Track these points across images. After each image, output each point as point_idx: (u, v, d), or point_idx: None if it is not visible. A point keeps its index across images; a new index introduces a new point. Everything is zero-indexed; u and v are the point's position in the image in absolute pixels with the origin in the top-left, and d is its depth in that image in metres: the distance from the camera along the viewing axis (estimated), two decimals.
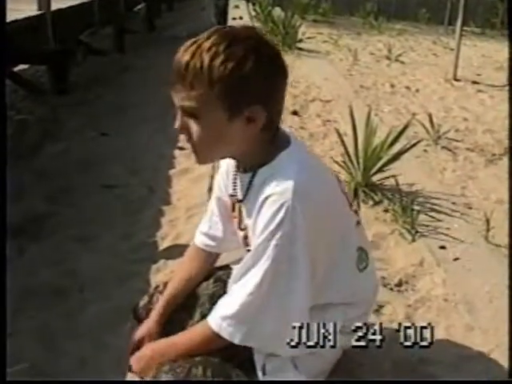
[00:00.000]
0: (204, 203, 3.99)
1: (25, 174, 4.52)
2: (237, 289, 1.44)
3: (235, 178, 1.57)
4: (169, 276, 3.07)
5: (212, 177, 3.97)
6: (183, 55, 1.37)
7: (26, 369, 2.38)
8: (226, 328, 1.43)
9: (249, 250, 1.57)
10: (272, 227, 1.35)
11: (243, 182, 1.51)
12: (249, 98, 1.36)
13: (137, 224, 3.86)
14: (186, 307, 1.72)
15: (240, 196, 1.53)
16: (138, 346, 1.66)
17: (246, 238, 1.58)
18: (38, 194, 4.25)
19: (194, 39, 1.40)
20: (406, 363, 1.85)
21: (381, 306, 2.22)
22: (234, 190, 1.56)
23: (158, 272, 3.21)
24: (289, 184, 1.35)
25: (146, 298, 1.77)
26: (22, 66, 7.24)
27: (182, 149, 5.24)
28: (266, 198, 1.37)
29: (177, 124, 1.44)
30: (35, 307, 2.93)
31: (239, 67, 1.32)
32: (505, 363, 1.86)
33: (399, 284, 2.39)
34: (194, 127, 1.39)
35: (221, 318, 1.45)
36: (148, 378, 1.50)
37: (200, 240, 1.84)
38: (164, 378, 1.45)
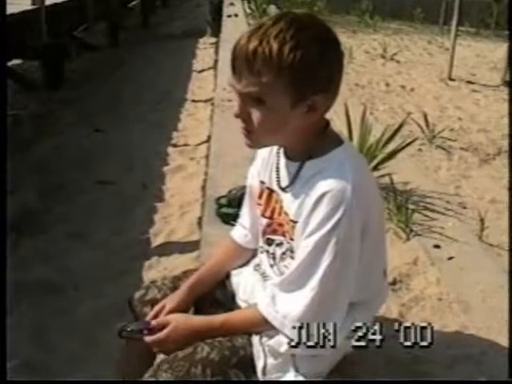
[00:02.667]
0: (197, 200, 4.00)
1: (18, 170, 4.49)
2: (298, 286, 1.41)
3: (278, 165, 1.55)
4: (162, 273, 3.08)
5: (206, 174, 3.97)
6: (249, 41, 1.33)
7: (18, 365, 2.37)
8: (287, 325, 1.42)
9: (268, 239, 1.57)
10: (331, 224, 1.35)
11: (289, 170, 1.50)
12: (314, 86, 1.35)
13: (130, 221, 3.86)
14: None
15: (284, 183, 1.51)
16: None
17: (269, 225, 1.57)
18: (32, 189, 4.24)
19: (258, 24, 1.36)
20: (399, 362, 1.85)
21: None
22: (277, 177, 1.54)
23: (150, 269, 3.21)
24: (347, 181, 1.35)
25: (141, 291, 1.75)
26: (15, 61, 7.20)
27: (175, 146, 5.24)
28: (324, 194, 1.35)
29: (236, 110, 1.41)
30: (28, 303, 2.92)
31: (307, 55, 1.32)
32: (499, 362, 1.85)
33: (393, 283, 2.39)
34: (256, 113, 1.38)
35: (283, 316, 1.42)
36: (147, 376, 1.47)
37: (234, 231, 1.81)
38: (164, 376, 1.42)
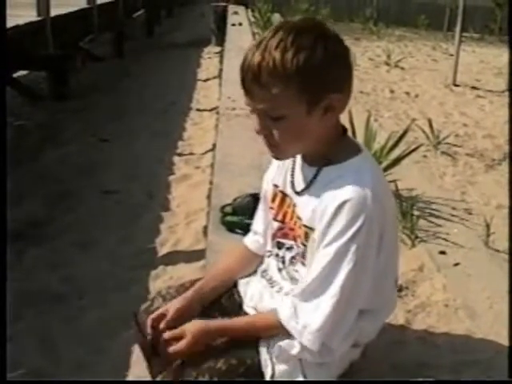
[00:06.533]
0: (203, 209, 4.00)
1: (24, 180, 4.52)
2: (318, 294, 1.40)
3: (293, 169, 1.55)
4: (169, 282, 3.07)
5: (211, 183, 3.97)
6: (253, 58, 1.35)
7: (24, 374, 2.37)
8: (306, 336, 1.41)
9: (279, 243, 1.57)
10: (352, 232, 1.35)
11: (305, 174, 1.50)
12: (325, 86, 1.36)
13: (136, 230, 3.86)
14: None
15: (299, 187, 1.51)
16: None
17: (280, 229, 1.57)
18: (38, 199, 4.25)
19: (259, 40, 1.38)
20: (405, 368, 1.84)
21: None
22: (292, 181, 1.54)
23: (156, 278, 3.20)
24: (367, 190, 1.36)
25: (147, 303, 1.74)
26: (21, 72, 7.25)
27: (181, 155, 5.25)
28: (345, 202, 1.35)
29: (256, 127, 1.42)
30: (34, 313, 2.92)
31: (311, 57, 1.32)
32: (505, 368, 1.84)
33: (399, 289, 2.37)
34: (275, 126, 1.39)
35: (303, 327, 1.41)
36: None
37: (247, 237, 1.80)
38: None
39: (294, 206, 1.52)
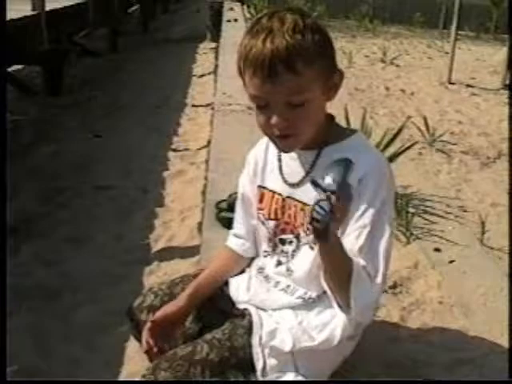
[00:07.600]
0: (198, 205, 3.99)
1: (18, 175, 4.49)
2: (369, 269, 1.40)
3: (280, 166, 1.56)
4: (163, 278, 3.07)
5: (206, 178, 3.96)
6: (273, 43, 1.32)
7: (17, 370, 2.36)
8: (363, 314, 1.45)
9: (281, 239, 1.58)
10: (381, 197, 1.40)
11: (303, 161, 1.50)
12: (333, 64, 1.43)
13: (130, 226, 3.84)
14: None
15: (293, 179, 1.52)
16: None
17: (277, 226, 1.58)
18: (31, 194, 4.23)
19: (265, 27, 1.35)
20: (399, 366, 1.84)
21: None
22: (283, 177, 1.55)
23: (150, 274, 3.19)
24: (381, 161, 1.47)
25: (140, 298, 1.74)
26: (15, 67, 7.21)
27: (175, 150, 5.23)
28: (367, 172, 1.38)
29: (275, 119, 1.38)
30: (27, 308, 2.90)
31: (322, 37, 1.38)
32: (500, 365, 1.85)
33: (394, 286, 2.38)
34: (300, 112, 1.38)
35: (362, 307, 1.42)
36: (147, 373, 1.47)
37: (229, 241, 1.81)
38: (162, 375, 1.42)
39: (285, 199, 1.53)
